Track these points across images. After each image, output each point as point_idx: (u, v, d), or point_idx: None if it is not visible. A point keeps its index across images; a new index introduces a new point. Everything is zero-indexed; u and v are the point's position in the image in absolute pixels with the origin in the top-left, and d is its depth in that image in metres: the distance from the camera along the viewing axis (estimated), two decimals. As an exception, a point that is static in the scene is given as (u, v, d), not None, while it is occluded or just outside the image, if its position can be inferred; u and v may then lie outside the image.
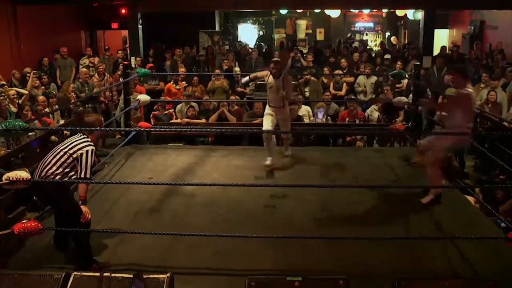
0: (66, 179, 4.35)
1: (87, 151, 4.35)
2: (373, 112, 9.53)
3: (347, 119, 9.26)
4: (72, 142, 4.42)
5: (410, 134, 7.94)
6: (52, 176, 4.30)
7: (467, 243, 4.65)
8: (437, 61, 11.45)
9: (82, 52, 14.41)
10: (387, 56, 12.94)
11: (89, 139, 4.48)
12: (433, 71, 11.18)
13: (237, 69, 12.04)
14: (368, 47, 16.65)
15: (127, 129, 8.20)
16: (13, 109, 8.30)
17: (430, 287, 3.44)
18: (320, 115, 9.40)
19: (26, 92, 9.13)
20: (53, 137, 8.04)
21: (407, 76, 9.05)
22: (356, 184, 6.29)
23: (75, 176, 4.36)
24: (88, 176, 4.35)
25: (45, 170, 4.33)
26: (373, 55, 13.85)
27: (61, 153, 4.35)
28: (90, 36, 16.67)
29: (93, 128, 4.57)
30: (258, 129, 7.82)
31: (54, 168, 4.31)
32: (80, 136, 4.50)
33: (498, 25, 14.57)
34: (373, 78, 10.95)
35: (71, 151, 4.34)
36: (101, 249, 4.63)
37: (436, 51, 13.34)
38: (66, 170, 4.34)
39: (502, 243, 4.36)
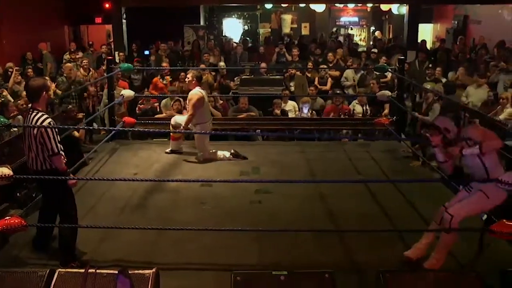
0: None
1: (45, 126, 4.16)
2: (356, 106, 9.56)
3: (331, 114, 9.25)
4: (31, 123, 4.21)
5: (394, 128, 7.97)
6: (42, 164, 4.24)
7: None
8: (419, 55, 11.56)
9: (66, 47, 14.25)
10: (374, 50, 12.99)
11: (40, 110, 4.25)
12: (415, 65, 11.27)
13: (221, 63, 11.98)
14: (353, 42, 16.71)
15: (110, 128, 8.16)
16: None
17: (414, 280, 3.46)
18: (305, 110, 9.38)
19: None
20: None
21: (390, 69, 9.11)
22: (341, 177, 6.28)
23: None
24: (56, 151, 4.19)
25: (34, 162, 4.27)
26: (364, 49, 13.88)
27: (30, 140, 4.24)
28: (73, 31, 16.51)
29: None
30: (242, 125, 7.76)
31: (36, 156, 4.24)
32: (33, 113, 4.24)
33: (482, 19, 14.70)
34: (360, 72, 10.98)
35: (34, 132, 4.19)
36: (85, 245, 4.59)
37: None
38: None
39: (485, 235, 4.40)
